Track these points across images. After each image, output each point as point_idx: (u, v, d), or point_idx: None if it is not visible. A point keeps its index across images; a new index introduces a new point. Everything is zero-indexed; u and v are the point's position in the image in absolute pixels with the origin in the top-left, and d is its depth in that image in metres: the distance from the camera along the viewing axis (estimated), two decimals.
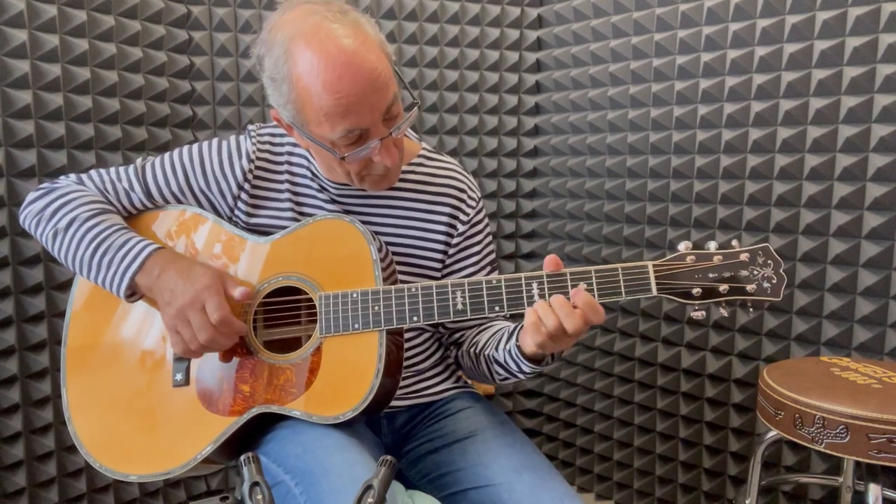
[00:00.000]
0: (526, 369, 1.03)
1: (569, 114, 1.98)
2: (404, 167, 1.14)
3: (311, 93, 0.93)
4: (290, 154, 1.13)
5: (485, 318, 1.19)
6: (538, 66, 2.04)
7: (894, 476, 1.39)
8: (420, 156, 1.18)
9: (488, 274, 1.20)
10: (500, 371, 1.09)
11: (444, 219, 1.16)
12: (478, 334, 1.17)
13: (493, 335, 1.13)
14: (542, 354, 0.99)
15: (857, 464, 1.37)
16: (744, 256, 0.96)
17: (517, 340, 1.01)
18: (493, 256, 1.22)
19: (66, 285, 1.54)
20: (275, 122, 1.13)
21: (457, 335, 1.21)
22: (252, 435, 1.05)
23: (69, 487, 1.61)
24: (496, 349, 1.08)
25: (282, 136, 1.14)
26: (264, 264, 1.06)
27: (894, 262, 1.46)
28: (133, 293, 1.04)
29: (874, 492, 1.19)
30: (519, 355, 1.02)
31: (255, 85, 1.80)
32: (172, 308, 0.99)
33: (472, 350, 1.15)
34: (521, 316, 0.98)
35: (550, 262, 0.97)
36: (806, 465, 1.61)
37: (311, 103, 0.94)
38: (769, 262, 0.96)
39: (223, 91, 1.78)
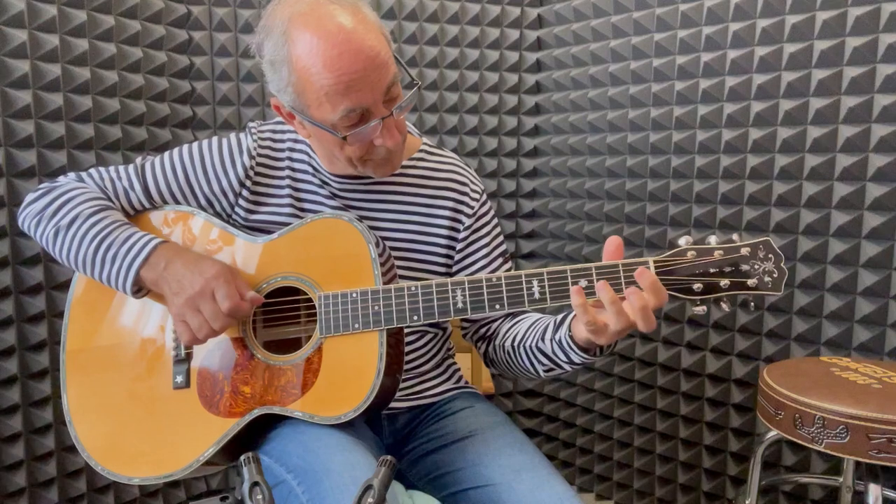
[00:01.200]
0: (576, 360, 1.00)
1: (569, 114, 1.98)
2: (405, 162, 1.14)
3: (311, 72, 0.93)
4: (292, 150, 1.13)
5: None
6: (538, 66, 2.04)
7: (894, 476, 1.39)
8: (421, 150, 1.18)
9: (501, 265, 1.19)
10: (546, 362, 1.06)
11: (447, 213, 1.15)
12: (512, 326, 1.15)
13: (532, 325, 1.10)
14: (594, 345, 0.97)
15: (857, 464, 1.37)
16: (744, 251, 0.95)
17: (570, 330, 0.99)
18: (503, 248, 1.21)
19: (66, 285, 1.54)
20: (276, 120, 1.13)
21: (483, 329, 1.19)
22: (253, 435, 1.05)
23: (69, 487, 1.61)
24: (542, 339, 1.05)
25: (283, 132, 1.14)
26: (263, 265, 1.06)
27: (894, 262, 1.46)
28: (139, 288, 1.04)
29: (874, 492, 1.19)
30: (572, 345, 0.99)
31: (255, 85, 1.80)
32: (181, 298, 0.99)
33: (507, 343, 1.13)
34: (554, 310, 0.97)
35: (614, 247, 0.95)
36: (806, 465, 1.61)
37: (311, 84, 0.93)
38: (770, 256, 0.96)
39: (223, 91, 1.79)
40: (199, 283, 0.98)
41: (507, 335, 1.14)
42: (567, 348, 1.00)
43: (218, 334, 1.01)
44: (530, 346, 1.08)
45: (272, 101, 1.03)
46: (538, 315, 1.14)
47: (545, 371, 1.08)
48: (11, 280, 1.49)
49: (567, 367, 1.04)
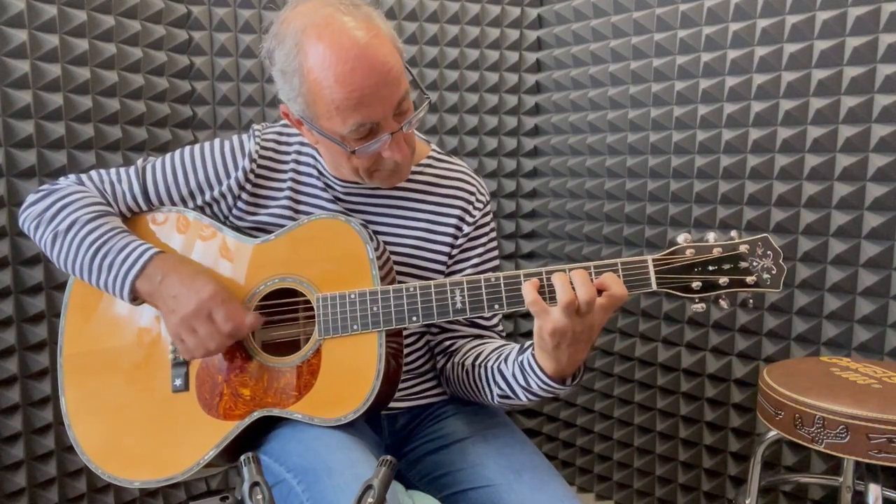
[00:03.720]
0: (534, 386, 0.97)
1: (569, 114, 1.98)
2: (413, 168, 1.13)
3: (322, 85, 0.92)
4: (299, 153, 1.12)
5: (483, 327, 1.17)
6: (538, 66, 2.04)
7: (894, 476, 1.39)
8: (429, 157, 1.17)
9: None
10: (503, 387, 1.02)
11: (453, 221, 1.15)
12: (477, 345, 1.13)
13: (497, 348, 1.08)
14: (555, 368, 0.94)
15: (857, 464, 1.37)
16: (743, 248, 0.95)
17: (533, 351, 0.96)
18: (495, 262, 1.20)
19: (65, 285, 1.54)
20: (282, 122, 1.12)
21: (448, 343, 1.17)
22: (253, 436, 1.05)
23: (69, 487, 1.61)
24: (505, 361, 1.03)
25: (290, 134, 1.13)
26: (261, 266, 1.06)
27: (894, 262, 1.46)
28: (135, 297, 1.04)
29: (874, 492, 1.19)
30: (533, 365, 0.96)
31: (254, 85, 1.80)
32: (176, 316, 0.99)
33: (468, 360, 1.10)
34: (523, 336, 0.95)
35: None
36: (806, 465, 1.61)
37: (322, 96, 0.93)
38: (768, 252, 0.96)
39: (223, 91, 1.78)
40: (195, 302, 0.98)
41: (470, 353, 1.11)
42: (527, 369, 0.97)
43: (215, 353, 1.01)
44: (491, 367, 1.05)
45: (281, 108, 1.03)
46: (504, 342, 1.13)
47: (500, 396, 1.04)
48: (11, 280, 1.49)
49: (522, 395, 1.00)
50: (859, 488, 1.40)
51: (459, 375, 1.12)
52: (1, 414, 1.51)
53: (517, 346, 1.04)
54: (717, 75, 1.65)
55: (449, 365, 1.15)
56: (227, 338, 0.99)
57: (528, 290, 0.91)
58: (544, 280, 0.94)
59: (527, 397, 1.00)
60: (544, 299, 0.91)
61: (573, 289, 0.88)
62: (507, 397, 1.03)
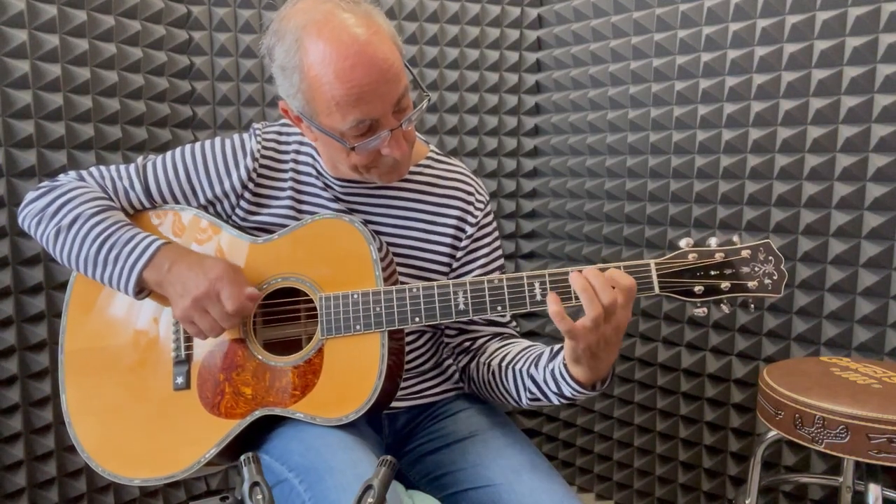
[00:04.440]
0: (567, 392, 0.97)
1: (569, 114, 1.98)
2: (411, 168, 1.13)
3: (322, 82, 0.92)
4: (297, 152, 1.12)
5: (500, 324, 1.17)
6: (538, 66, 2.04)
7: (894, 476, 1.39)
8: (428, 157, 1.18)
9: None
10: (534, 391, 1.03)
11: (452, 221, 1.15)
12: (503, 346, 1.12)
13: (525, 349, 1.08)
14: (590, 377, 0.94)
15: (857, 464, 1.37)
16: (745, 253, 0.96)
17: (564, 361, 0.96)
18: (500, 262, 1.20)
19: (66, 285, 1.54)
20: (281, 121, 1.12)
21: (468, 343, 1.16)
22: (254, 435, 1.05)
23: (69, 487, 1.61)
24: (535, 366, 1.02)
25: (288, 133, 1.13)
26: (263, 265, 1.06)
27: (894, 262, 1.46)
28: (141, 289, 1.04)
29: (874, 492, 1.19)
30: (564, 374, 0.96)
31: (254, 85, 1.80)
32: (187, 299, 0.99)
33: (495, 361, 1.10)
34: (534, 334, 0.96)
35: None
36: (806, 465, 1.61)
37: (321, 92, 0.93)
38: (770, 258, 0.97)
39: (223, 91, 1.78)
40: (204, 284, 0.98)
41: (496, 354, 1.11)
42: (559, 378, 0.97)
43: (227, 331, 1.03)
44: (520, 370, 1.05)
45: (280, 104, 1.03)
46: (529, 342, 1.12)
47: (529, 399, 1.05)
48: (11, 280, 1.49)
49: (554, 399, 1.01)
50: (859, 488, 1.40)
51: (484, 376, 1.12)
52: (1, 414, 1.51)
53: (546, 350, 1.03)
54: (717, 75, 1.65)
55: (473, 364, 1.15)
56: (234, 317, 0.99)
57: (558, 314, 0.88)
58: (548, 283, 0.94)
59: (559, 401, 1.01)
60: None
61: (597, 296, 0.87)
62: (538, 400, 1.04)
